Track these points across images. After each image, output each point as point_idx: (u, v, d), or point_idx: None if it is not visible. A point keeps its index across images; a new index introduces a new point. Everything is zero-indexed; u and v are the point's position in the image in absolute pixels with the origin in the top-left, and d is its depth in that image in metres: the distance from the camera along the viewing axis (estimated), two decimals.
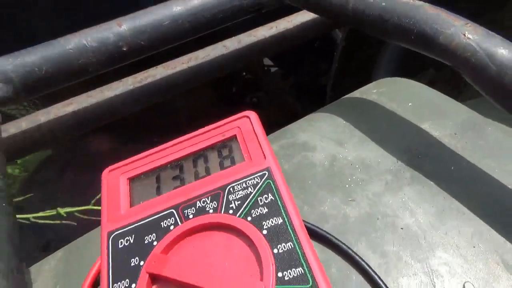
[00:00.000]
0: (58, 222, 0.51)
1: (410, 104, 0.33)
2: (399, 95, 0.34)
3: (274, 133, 0.33)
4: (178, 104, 0.74)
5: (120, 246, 0.21)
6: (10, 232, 0.21)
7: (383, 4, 0.26)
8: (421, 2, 0.25)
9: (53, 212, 0.52)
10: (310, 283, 0.17)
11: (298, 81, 0.91)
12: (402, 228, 0.24)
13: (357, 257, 0.22)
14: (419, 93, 0.35)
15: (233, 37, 0.43)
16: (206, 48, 0.42)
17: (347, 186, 0.27)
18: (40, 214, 0.51)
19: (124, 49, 0.30)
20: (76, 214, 0.52)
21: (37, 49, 0.28)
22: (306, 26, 0.45)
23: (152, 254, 0.20)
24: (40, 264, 0.27)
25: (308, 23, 0.45)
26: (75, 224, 0.52)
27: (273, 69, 0.96)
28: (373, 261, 0.23)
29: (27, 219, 0.52)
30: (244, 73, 0.93)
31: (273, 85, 0.92)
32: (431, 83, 0.66)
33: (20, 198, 0.50)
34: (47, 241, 0.58)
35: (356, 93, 0.37)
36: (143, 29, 0.31)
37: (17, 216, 0.53)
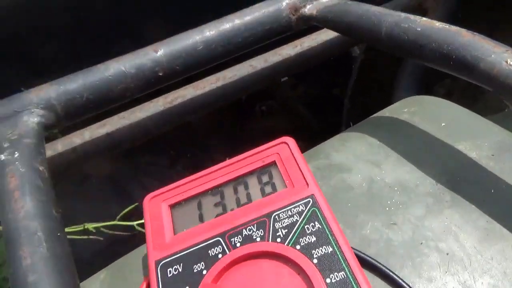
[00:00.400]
0: (85, 237, 0.52)
1: (443, 124, 0.33)
2: (431, 114, 0.35)
3: (306, 153, 0.33)
4: None
5: (169, 275, 0.21)
6: (68, 252, 0.22)
7: (418, 29, 0.27)
8: (457, 28, 0.26)
9: (80, 227, 0.53)
10: None
11: (308, 91, 0.92)
12: (447, 254, 0.24)
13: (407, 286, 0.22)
14: (451, 112, 0.35)
15: (259, 56, 0.44)
16: (233, 68, 0.43)
17: (387, 209, 0.27)
18: (67, 229, 0.52)
19: (160, 74, 0.32)
20: (102, 229, 0.53)
21: (78, 76, 0.30)
22: (331, 44, 0.46)
23: (203, 283, 0.20)
24: (83, 286, 0.28)
25: (333, 41, 0.46)
26: (102, 239, 0.53)
27: (282, 79, 0.97)
28: (420, 285, 0.23)
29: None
30: None
31: (283, 94, 0.93)
32: (449, 93, 0.66)
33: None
34: None
35: (386, 112, 0.37)
36: (178, 55, 0.32)
37: None
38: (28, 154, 0.25)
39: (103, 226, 0.53)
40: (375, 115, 0.37)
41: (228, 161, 0.26)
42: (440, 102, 0.37)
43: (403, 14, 0.29)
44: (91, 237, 0.52)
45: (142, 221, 0.25)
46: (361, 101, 0.69)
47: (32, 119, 0.28)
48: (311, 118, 0.97)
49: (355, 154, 0.32)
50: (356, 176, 0.30)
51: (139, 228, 0.54)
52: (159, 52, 0.31)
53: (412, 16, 0.28)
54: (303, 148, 0.32)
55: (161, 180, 0.29)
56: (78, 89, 0.29)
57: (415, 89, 0.60)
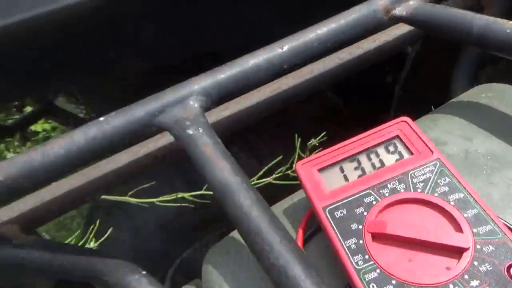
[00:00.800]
0: (177, 205, 0.62)
1: None
2: (508, 99, 0.42)
3: None
4: None
5: (337, 217, 0.29)
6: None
7: (508, 31, 0.34)
8: None
9: (173, 196, 0.62)
10: (500, 234, 0.25)
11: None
12: None
13: None
14: None
15: (345, 49, 0.51)
16: (324, 59, 0.50)
17: (484, 173, 0.34)
18: (163, 198, 0.62)
19: (285, 67, 0.39)
20: (189, 197, 0.63)
21: (225, 69, 0.37)
22: (404, 38, 0.53)
23: (368, 219, 0.28)
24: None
25: (405, 35, 0.53)
26: (193, 206, 0.62)
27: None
28: None
29: (153, 202, 0.63)
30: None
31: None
32: (490, 79, 0.73)
33: (147, 185, 0.61)
34: None
35: (464, 97, 0.44)
36: (299, 50, 0.39)
37: (145, 200, 0.65)
38: (208, 129, 0.33)
39: (191, 195, 0.63)
40: (453, 100, 0.44)
41: (354, 138, 0.34)
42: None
43: (490, 18, 0.36)
44: (182, 204, 0.62)
45: None
46: (414, 90, 0.77)
47: (197, 104, 0.36)
48: (342, 104, 1.04)
49: (447, 131, 0.39)
50: (452, 148, 0.37)
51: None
52: (284, 48, 0.39)
53: (499, 20, 0.36)
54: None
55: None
56: (225, 79, 0.37)
57: (470, 79, 0.67)
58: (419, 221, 0.27)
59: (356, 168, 0.32)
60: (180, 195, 0.62)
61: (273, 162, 0.72)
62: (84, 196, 0.41)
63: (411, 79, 0.73)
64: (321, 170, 0.33)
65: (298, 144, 0.67)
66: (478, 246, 0.25)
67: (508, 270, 0.24)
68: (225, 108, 0.46)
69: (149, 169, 0.43)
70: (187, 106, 0.35)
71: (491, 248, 0.25)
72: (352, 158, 0.33)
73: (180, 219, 0.72)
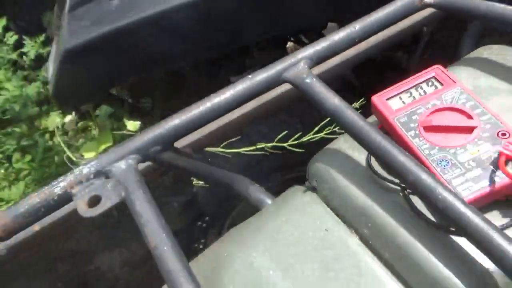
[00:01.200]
0: (259, 153, 0.86)
1: None
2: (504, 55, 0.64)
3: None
4: None
5: (402, 121, 0.52)
6: None
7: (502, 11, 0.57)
8: None
9: (254, 147, 0.86)
10: (493, 118, 0.48)
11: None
12: None
13: None
14: None
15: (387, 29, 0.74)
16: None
17: (484, 95, 0.57)
18: (245, 149, 0.86)
19: (356, 40, 0.62)
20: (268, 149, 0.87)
21: (321, 41, 0.61)
22: (429, 19, 0.76)
23: (419, 120, 0.51)
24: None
25: (429, 17, 0.76)
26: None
27: None
28: None
29: (238, 153, 0.87)
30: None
31: None
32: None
33: (234, 139, 0.86)
34: None
35: (471, 55, 0.67)
36: (365, 29, 0.63)
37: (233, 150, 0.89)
38: (316, 78, 0.57)
39: (270, 146, 0.87)
40: (464, 57, 0.67)
41: (407, 79, 0.57)
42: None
43: (490, 3, 0.59)
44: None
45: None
46: (429, 58, 0.99)
47: (306, 65, 0.59)
48: (356, 80, 1.27)
49: (462, 75, 0.62)
50: (466, 83, 0.60)
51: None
52: (356, 27, 0.62)
53: (496, 4, 0.58)
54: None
55: None
56: (322, 48, 0.61)
57: (474, 46, 0.90)
58: (449, 118, 0.50)
59: (409, 96, 0.55)
60: (260, 145, 0.86)
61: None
62: (231, 131, 0.66)
63: (427, 50, 0.96)
64: (387, 99, 0.56)
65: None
66: (482, 126, 0.48)
67: (497, 134, 0.47)
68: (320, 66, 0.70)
69: (268, 113, 0.67)
70: (300, 66, 0.59)
71: (488, 126, 0.48)
72: (406, 90, 0.56)
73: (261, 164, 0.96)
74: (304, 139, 0.98)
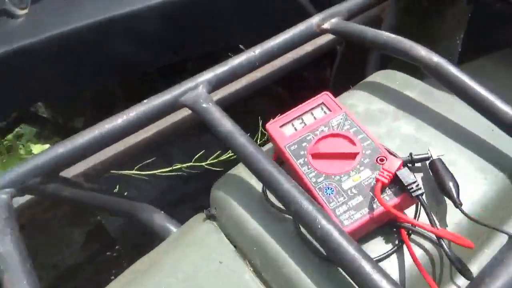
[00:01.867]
0: (174, 173, 0.85)
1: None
2: (394, 78, 0.69)
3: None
4: None
5: (292, 149, 0.54)
6: None
7: (384, 38, 0.61)
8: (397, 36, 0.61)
9: (171, 168, 0.85)
10: (373, 143, 0.51)
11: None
12: None
13: None
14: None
15: (291, 52, 0.77)
16: (279, 58, 0.76)
17: (376, 120, 0.61)
18: (161, 170, 0.85)
19: (257, 64, 0.64)
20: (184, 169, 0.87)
21: (219, 67, 0.62)
22: (330, 43, 0.80)
23: (308, 147, 0.53)
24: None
25: (331, 41, 0.80)
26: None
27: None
28: None
29: (153, 174, 0.85)
30: None
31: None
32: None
33: (149, 161, 0.84)
34: None
35: (367, 80, 0.71)
36: (264, 54, 0.65)
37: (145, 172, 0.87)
38: (214, 104, 0.57)
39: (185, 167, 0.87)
40: (361, 82, 0.71)
41: (299, 106, 0.59)
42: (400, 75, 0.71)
43: (376, 30, 0.63)
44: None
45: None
46: (343, 75, 1.05)
47: (205, 89, 0.60)
48: (288, 96, 1.33)
49: (357, 100, 0.66)
50: (359, 107, 0.64)
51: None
52: (256, 52, 0.64)
53: (379, 31, 0.63)
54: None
55: None
56: (221, 73, 0.61)
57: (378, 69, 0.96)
58: (335, 144, 0.53)
59: (301, 123, 0.58)
60: (176, 166, 0.85)
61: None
62: (123, 160, 0.64)
63: (341, 69, 1.02)
64: (281, 126, 0.58)
65: (260, 124, 0.94)
66: (364, 152, 0.51)
67: (377, 160, 0.50)
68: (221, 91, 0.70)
69: (167, 138, 0.66)
70: (198, 91, 0.59)
71: (369, 152, 0.51)
72: (299, 117, 0.58)
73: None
74: (223, 157, 0.99)
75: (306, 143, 0.54)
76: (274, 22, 0.80)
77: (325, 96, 0.59)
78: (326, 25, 0.68)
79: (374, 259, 0.42)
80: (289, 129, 0.57)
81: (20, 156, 1.56)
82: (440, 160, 0.50)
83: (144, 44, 0.93)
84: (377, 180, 0.47)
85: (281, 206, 0.50)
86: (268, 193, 0.53)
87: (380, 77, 0.70)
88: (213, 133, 0.54)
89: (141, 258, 0.59)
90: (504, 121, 0.50)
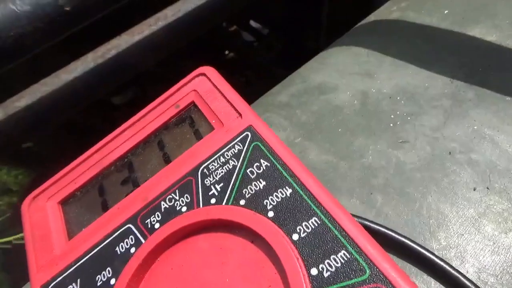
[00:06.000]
0: None
1: (446, 11, 0.30)
2: (427, 4, 0.31)
3: (280, 83, 0.30)
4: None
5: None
6: None
7: None
8: None
9: None
10: (367, 271, 0.13)
11: (283, 50, 0.95)
12: (485, 165, 0.20)
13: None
14: None
15: None
16: (176, 4, 0.39)
17: (391, 125, 0.23)
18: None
19: (67, 8, 0.28)
20: None
21: None
22: None
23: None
24: None
25: None
26: None
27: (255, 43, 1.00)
28: (456, 213, 0.19)
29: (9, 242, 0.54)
30: (226, 52, 0.97)
31: (259, 60, 0.95)
32: None
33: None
34: None
35: (371, 17, 0.33)
36: None
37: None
38: None
39: None
40: (360, 23, 0.33)
41: (132, 119, 0.22)
42: None
43: None
44: None
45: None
46: (339, 14, 0.69)
47: None
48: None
49: (339, 69, 0.28)
50: (343, 94, 0.26)
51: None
52: None
53: None
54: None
55: None
56: None
57: None
58: (208, 278, 0.15)
59: (124, 182, 0.20)
60: None
61: None
62: None
63: (332, 21, 0.67)
64: (64, 201, 0.21)
65: None
66: None
67: None
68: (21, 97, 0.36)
69: None
70: None
71: None
72: (121, 162, 0.21)
73: None
74: None
75: (111, 274, 0.17)
76: None
77: (200, 81, 0.22)
78: None
79: None
80: (87, 210, 0.20)
81: None
82: None
83: None
84: None
85: None
86: None
87: (398, 5, 0.33)
88: None
89: None
90: None
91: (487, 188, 0.19)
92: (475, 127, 0.22)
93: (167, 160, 0.19)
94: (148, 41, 0.39)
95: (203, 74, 0.21)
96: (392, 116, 0.24)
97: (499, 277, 0.17)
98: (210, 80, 0.21)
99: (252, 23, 0.95)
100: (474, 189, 0.20)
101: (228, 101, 0.19)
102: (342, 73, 0.28)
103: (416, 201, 0.20)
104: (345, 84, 0.27)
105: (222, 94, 0.20)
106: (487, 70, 0.24)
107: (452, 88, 0.24)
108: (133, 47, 0.38)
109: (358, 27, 0.33)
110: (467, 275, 0.17)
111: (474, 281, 0.17)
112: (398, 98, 0.24)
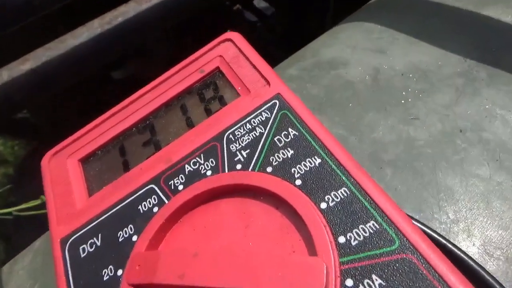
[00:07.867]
0: (44, 211, 0.49)
1: None
2: None
3: (290, 57, 0.29)
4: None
5: (82, 256, 0.16)
6: None
7: None
8: None
9: (37, 201, 0.49)
10: (397, 241, 0.13)
11: (285, 33, 0.92)
12: (496, 143, 0.20)
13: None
14: None
15: None
16: None
17: (403, 101, 0.23)
18: (23, 206, 0.49)
19: None
20: None
21: None
22: None
23: (134, 254, 0.15)
24: (12, 263, 0.25)
25: None
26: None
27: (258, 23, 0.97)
28: (466, 189, 0.19)
29: (9, 213, 0.51)
30: (228, 31, 0.96)
31: (262, 41, 0.93)
32: None
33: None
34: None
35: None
36: None
37: None
38: None
39: None
40: (372, 0, 0.32)
41: (155, 81, 0.21)
42: None
43: None
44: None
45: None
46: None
47: None
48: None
49: (351, 45, 0.27)
50: (355, 69, 0.25)
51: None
52: None
53: None
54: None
55: None
56: None
57: None
58: (231, 242, 0.15)
59: (146, 143, 0.19)
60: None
61: None
62: None
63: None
64: (86, 160, 0.20)
65: None
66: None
67: None
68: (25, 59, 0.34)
69: None
70: None
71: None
72: (143, 124, 0.20)
73: None
74: None
75: (133, 231, 0.16)
76: None
77: (226, 47, 0.21)
78: None
79: None
80: (108, 169, 0.20)
81: None
82: None
83: None
84: None
85: None
86: None
87: None
88: None
89: None
90: None
91: (497, 166, 0.19)
92: (487, 106, 0.22)
93: (190, 125, 0.19)
94: (155, 9, 0.38)
95: (230, 40, 0.21)
96: (403, 93, 0.23)
97: (504, 250, 0.17)
98: (236, 46, 0.20)
99: (256, 2, 0.92)
100: (484, 166, 0.19)
101: (255, 68, 0.19)
102: (354, 49, 0.27)
103: (426, 175, 0.20)
104: (356, 59, 0.26)
105: (249, 61, 0.19)
106: (500, 51, 0.24)
107: (465, 67, 0.24)
108: (140, 15, 0.37)
109: (371, 3, 0.32)
110: (473, 247, 0.17)
111: (480, 254, 0.17)
112: (411, 75, 0.24)
